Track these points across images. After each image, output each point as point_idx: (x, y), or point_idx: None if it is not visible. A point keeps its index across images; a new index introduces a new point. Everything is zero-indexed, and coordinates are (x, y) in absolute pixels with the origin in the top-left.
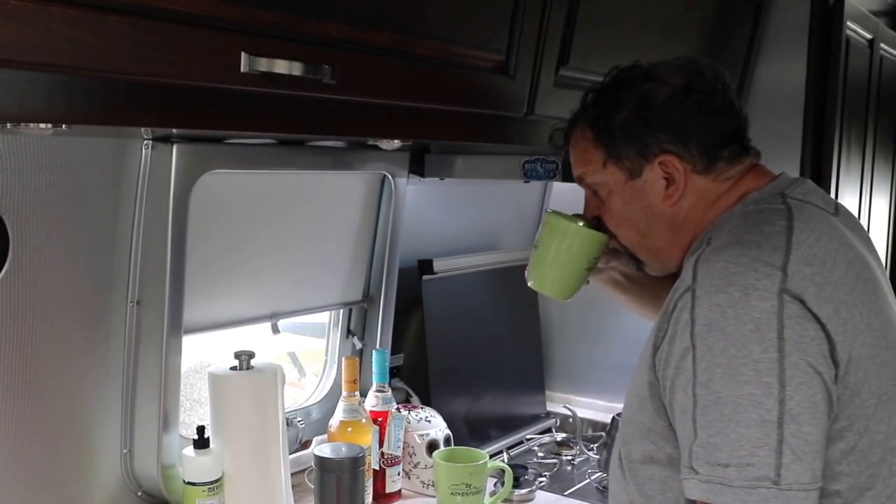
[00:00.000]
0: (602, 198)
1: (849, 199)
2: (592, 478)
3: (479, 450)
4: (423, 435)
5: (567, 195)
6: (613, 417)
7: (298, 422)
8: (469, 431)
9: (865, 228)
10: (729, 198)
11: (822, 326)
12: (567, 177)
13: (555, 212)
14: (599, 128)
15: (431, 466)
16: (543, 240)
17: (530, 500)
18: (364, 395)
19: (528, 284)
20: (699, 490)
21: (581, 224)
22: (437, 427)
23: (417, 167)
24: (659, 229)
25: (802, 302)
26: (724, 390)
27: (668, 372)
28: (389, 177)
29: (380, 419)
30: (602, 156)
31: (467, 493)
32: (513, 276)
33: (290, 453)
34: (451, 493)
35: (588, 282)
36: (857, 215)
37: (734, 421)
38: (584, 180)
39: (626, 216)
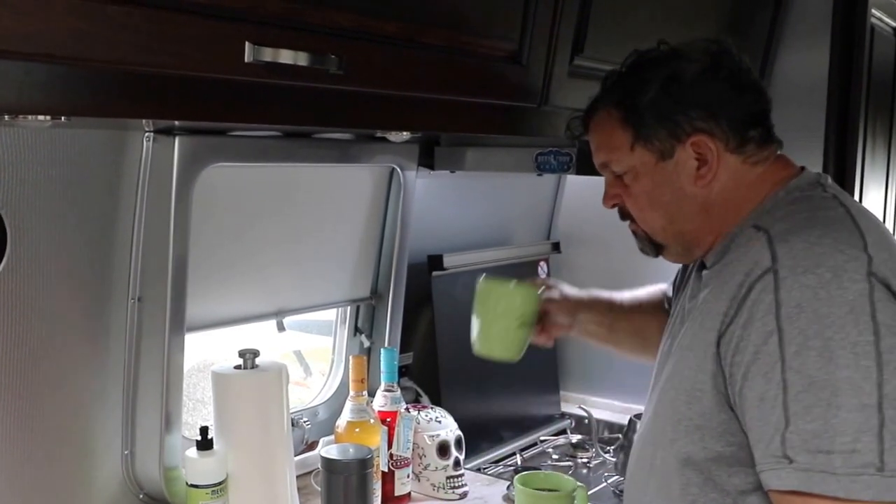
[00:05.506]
0: (626, 183)
1: (874, 193)
2: (609, 481)
3: (564, 475)
4: (433, 436)
5: (581, 188)
6: (631, 419)
7: (304, 422)
8: (481, 432)
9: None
10: (766, 184)
11: None
12: (581, 169)
13: (486, 277)
14: (627, 107)
15: (440, 468)
16: (475, 306)
17: None
18: (372, 394)
19: (474, 352)
20: (794, 479)
21: (510, 284)
22: (447, 428)
23: (427, 160)
24: (689, 212)
25: (888, 286)
26: (819, 374)
27: (740, 358)
28: (398, 170)
29: (388, 419)
30: (630, 138)
31: None
32: (525, 272)
33: (296, 455)
34: None
35: (532, 338)
36: (882, 209)
37: (834, 405)
38: (608, 167)
39: (655, 200)
